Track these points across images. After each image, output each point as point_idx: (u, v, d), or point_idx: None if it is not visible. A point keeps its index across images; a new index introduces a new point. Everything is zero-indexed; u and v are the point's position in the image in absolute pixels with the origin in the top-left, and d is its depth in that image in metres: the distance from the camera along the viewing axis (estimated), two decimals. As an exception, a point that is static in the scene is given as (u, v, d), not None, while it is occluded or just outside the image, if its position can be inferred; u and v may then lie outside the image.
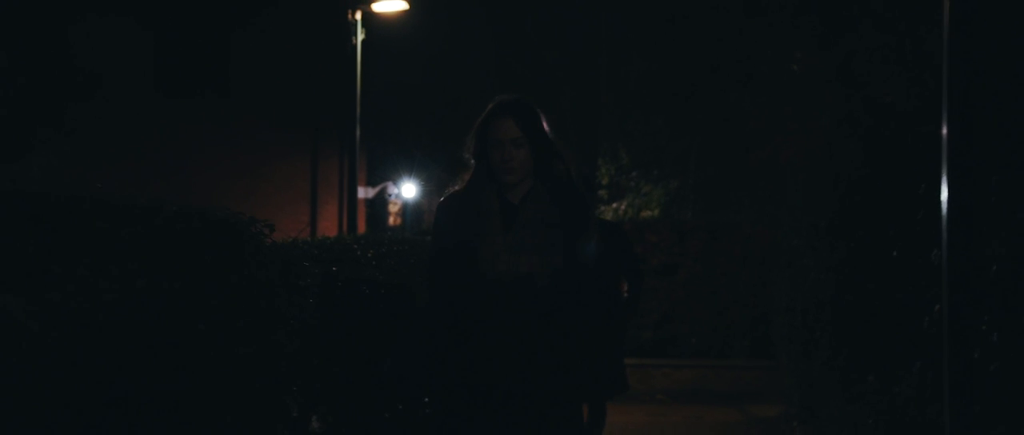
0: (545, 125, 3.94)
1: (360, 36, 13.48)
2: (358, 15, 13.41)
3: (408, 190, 26.18)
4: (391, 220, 27.73)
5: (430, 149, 27.82)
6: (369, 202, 23.39)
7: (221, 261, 2.86)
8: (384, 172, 26.76)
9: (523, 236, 3.83)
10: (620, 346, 7.05)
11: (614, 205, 17.74)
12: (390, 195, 24.79)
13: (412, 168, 26.93)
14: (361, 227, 18.89)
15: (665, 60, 17.37)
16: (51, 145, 16.14)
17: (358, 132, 14.06)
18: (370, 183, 23.20)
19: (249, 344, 2.95)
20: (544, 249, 3.82)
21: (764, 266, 12.78)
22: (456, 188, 4.01)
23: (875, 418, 6.12)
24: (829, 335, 7.43)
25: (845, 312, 7.00)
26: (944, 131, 4.60)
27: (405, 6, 13.36)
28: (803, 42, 8.36)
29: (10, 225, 2.32)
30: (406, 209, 26.98)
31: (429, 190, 27.60)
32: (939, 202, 4.82)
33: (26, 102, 15.65)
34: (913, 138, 5.85)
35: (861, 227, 6.62)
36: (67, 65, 16.40)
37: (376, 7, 13.34)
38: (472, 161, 3.98)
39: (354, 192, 14.72)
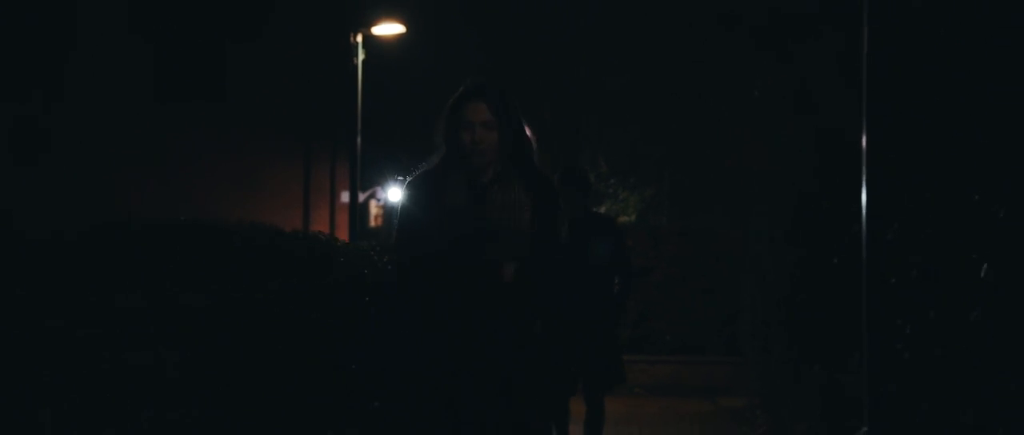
0: (517, 109, 3.93)
1: (361, 56, 14.44)
2: (359, 37, 14.37)
3: (393, 193, 27.05)
4: (372, 221, 28.43)
5: (416, 153, 28.73)
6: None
7: (321, 271, 3.88)
8: (370, 175, 27.53)
9: (492, 220, 3.81)
10: (615, 339, 7.42)
11: (594, 210, 18.73)
12: (379, 199, 25.60)
13: (398, 171, 27.79)
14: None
15: (641, 73, 18.42)
16: (60, 151, 17.00)
17: (359, 142, 15.01)
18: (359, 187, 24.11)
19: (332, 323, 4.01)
20: (513, 234, 3.79)
21: (733, 268, 13.71)
22: (425, 168, 3.97)
23: (819, 401, 7.07)
24: (784, 331, 8.39)
25: (797, 311, 7.95)
26: (863, 143, 5.53)
27: (402, 29, 14.36)
28: (765, 66, 9.30)
29: (210, 249, 3.32)
30: (392, 212, 27.80)
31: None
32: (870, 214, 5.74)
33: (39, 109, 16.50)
34: (852, 158, 6.79)
35: (810, 236, 7.57)
36: (77, 75, 17.25)
37: (376, 30, 14.33)
38: (442, 144, 3.95)
39: (355, 196, 15.65)
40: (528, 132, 3.93)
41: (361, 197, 24.27)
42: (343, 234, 19.86)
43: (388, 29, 14.47)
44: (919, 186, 5.65)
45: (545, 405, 5.68)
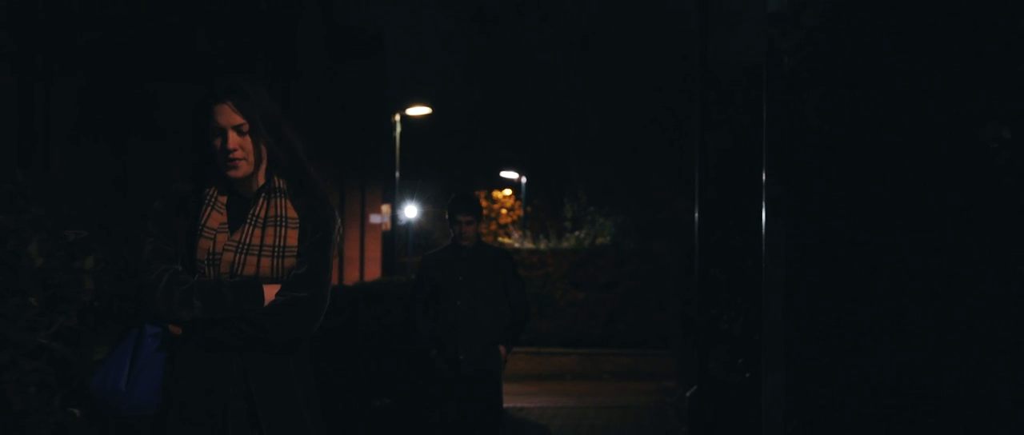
0: (272, 107, 3.40)
1: (398, 130, 18.82)
2: (397, 117, 18.76)
3: (410, 211, 31.09)
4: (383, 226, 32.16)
5: (428, 175, 33.07)
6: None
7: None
8: (392, 197, 31.53)
9: (253, 234, 3.35)
10: (496, 383, 6.89)
11: (576, 233, 22.98)
12: (401, 220, 29.53)
13: (413, 192, 31.88)
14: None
15: (615, 124, 22.81)
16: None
17: (395, 197, 19.29)
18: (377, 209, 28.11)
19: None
20: (275, 250, 3.35)
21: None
22: (177, 185, 3.42)
23: (697, 377, 11.35)
24: (684, 331, 12.64)
25: (688, 319, 12.20)
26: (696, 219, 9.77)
27: (429, 110, 18.76)
28: (678, 154, 13.57)
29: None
30: (408, 228, 31.75)
31: (427, 211, 32.80)
32: (722, 263, 10.01)
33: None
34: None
35: (693, 269, 11.82)
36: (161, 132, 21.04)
37: (409, 112, 18.78)
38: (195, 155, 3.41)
39: (395, 220, 19.73)
40: (294, 137, 3.45)
41: (384, 215, 28.42)
42: (373, 250, 24.03)
43: (418, 111, 18.89)
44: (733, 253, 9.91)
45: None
